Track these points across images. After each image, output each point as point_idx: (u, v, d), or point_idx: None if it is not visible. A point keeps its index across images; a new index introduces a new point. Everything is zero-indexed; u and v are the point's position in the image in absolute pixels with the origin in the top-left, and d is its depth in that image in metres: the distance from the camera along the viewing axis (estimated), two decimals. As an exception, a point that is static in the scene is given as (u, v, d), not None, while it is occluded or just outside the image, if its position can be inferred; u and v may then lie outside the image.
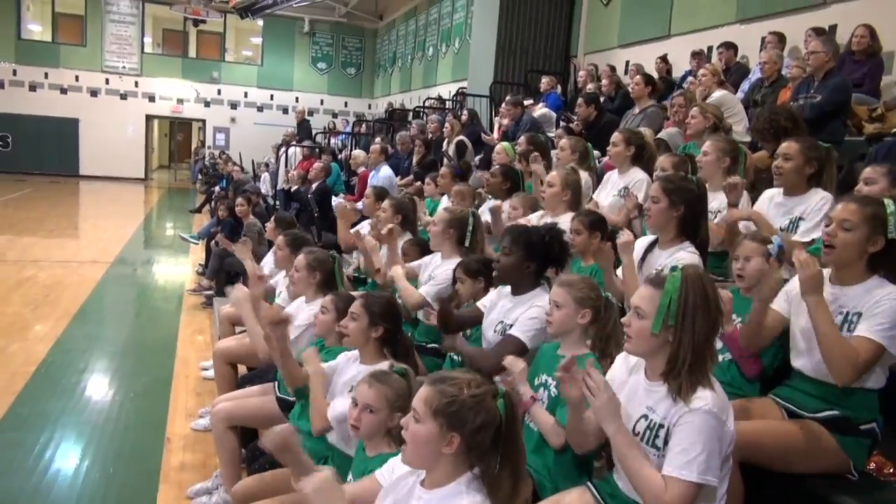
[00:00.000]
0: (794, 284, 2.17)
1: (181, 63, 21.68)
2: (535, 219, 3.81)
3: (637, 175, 4.14)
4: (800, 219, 2.96)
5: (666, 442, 1.76)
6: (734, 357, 2.37)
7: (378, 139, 9.90)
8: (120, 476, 3.50)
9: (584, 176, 4.47)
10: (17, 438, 3.83)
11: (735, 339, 2.34)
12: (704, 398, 1.73)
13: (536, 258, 2.76)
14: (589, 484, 2.02)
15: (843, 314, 2.10)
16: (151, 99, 21.32)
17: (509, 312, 2.70)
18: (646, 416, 1.83)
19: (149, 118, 21.83)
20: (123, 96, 20.94)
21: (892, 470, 2.37)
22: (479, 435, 1.58)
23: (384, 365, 2.42)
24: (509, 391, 1.68)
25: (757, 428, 2.05)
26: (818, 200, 2.95)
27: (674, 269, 1.86)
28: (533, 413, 2.19)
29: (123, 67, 20.75)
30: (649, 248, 2.95)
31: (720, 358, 2.23)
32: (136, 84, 21.01)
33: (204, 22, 20.12)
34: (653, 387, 1.85)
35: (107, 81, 20.69)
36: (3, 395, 4.37)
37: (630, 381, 1.94)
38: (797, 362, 2.20)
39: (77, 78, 20.42)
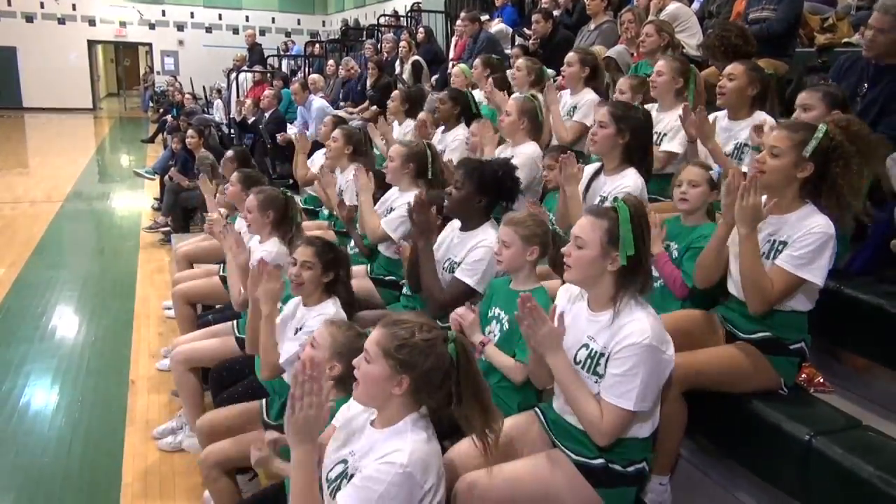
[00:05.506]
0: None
1: (120, -18, 20.44)
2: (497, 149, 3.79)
3: (587, 95, 4.13)
4: (745, 145, 2.98)
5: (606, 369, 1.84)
6: (664, 278, 2.45)
7: (331, 61, 9.60)
8: (86, 421, 3.53)
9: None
10: (-22, 389, 3.81)
11: (666, 261, 2.45)
12: (644, 331, 1.79)
13: (488, 193, 2.76)
14: (536, 409, 2.12)
15: (770, 242, 2.15)
16: (92, 22, 20.18)
17: (456, 249, 2.73)
18: (586, 346, 1.90)
19: (91, 43, 20.70)
20: (62, 20, 19.79)
21: (821, 380, 2.53)
22: (429, 377, 1.64)
23: (328, 305, 2.49)
24: (460, 336, 1.73)
25: (699, 359, 2.15)
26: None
27: (617, 200, 1.89)
28: (489, 356, 2.26)
29: (58, -11, 19.52)
30: (594, 176, 2.96)
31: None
32: (74, 7, 19.83)
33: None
34: (594, 317, 1.91)
35: (42, 5, 19.48)
36: (-39, 346, 4.33)
37: (572, 311, 1.99)
38: (731, 286, 2.27)
39: (9, 2, 19.14)
